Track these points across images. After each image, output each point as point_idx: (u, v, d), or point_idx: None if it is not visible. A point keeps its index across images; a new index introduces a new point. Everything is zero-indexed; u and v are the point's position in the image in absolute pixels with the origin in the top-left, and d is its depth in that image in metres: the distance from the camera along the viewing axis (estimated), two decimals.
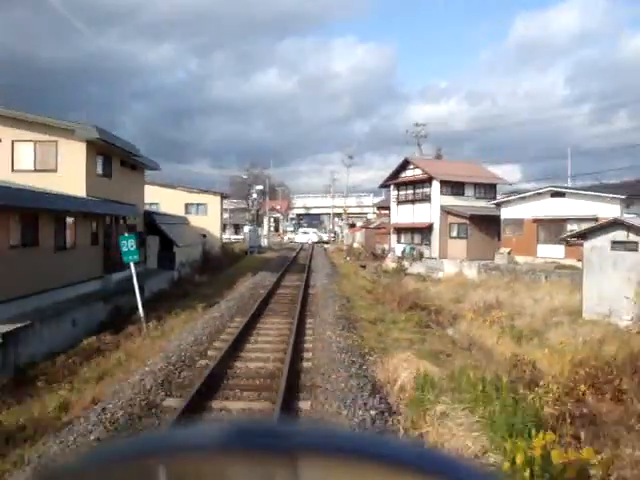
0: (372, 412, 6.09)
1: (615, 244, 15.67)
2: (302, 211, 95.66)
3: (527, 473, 3.87)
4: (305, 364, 8.28)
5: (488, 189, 32.06)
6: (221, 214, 39.90)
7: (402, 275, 26.41)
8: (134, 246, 12.57)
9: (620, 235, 15.53)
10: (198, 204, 37.50)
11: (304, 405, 6.48)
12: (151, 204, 31.08)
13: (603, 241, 15.95)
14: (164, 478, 0.48)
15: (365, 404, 6.32)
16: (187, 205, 36.70)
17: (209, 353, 8.89)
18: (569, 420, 8.03)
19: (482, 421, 5.14)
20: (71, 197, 16.03)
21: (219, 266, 29.97)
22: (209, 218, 37.13)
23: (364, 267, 30.28)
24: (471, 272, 27.16)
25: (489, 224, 28.53)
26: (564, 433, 7.43)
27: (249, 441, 0.48)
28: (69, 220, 16.18)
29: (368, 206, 79.55)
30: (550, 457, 4.00)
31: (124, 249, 12.41)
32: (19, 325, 11.56)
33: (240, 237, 65.30)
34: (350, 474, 0.46)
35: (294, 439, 0.49)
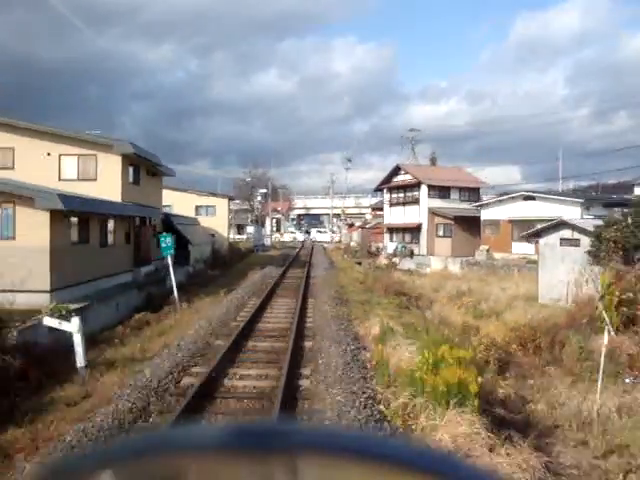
0: (352, 347, 9.36)
1: (563, 241, 18.93)
2: (302, 211, 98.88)
3: (431, 361, 7.08)
4: (308, 324, 11.55)
5: (472, 192, 35.32)
6: (228, 215, 43.19)
7: (392, 270, 29.65)
8: (170, 242, 15.84)
9: (567, 233, 18.79)
10: (207, 206, 40.77)
11: (307, 344, 9.75)
12: (164, 206, 34.35)
13: (554, 239, 19.21)
14: (163, 478, 0.49)
15: (348, 344, 9.57)
16: (197, 207, 39.94)
17: (238, 318, 12.16)
18: (498, 364, 11.34)
19: (417, 345, 8.39)
20: (112, 203, 19.27)
21: (228, 262, 33.24)
22: (217, 219, 40.38)
23: (359, 263, 33.50)
24: (455, 267, 30.41)
25: (471, 224, 31.80)
26: (490, 370, 10.68)
27: (248, 441, 0.48)
28: (110, 222, 19.44)
29: (366, 207, 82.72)
30: (444, 356, 7.23)
31: (163, 245, 15.69)
32: (82, 304, 14.83)
33: (243, 237, 68.67)
34: (350, 474, 0.47)
35: (294, 439, 0.50)
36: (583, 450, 7.56)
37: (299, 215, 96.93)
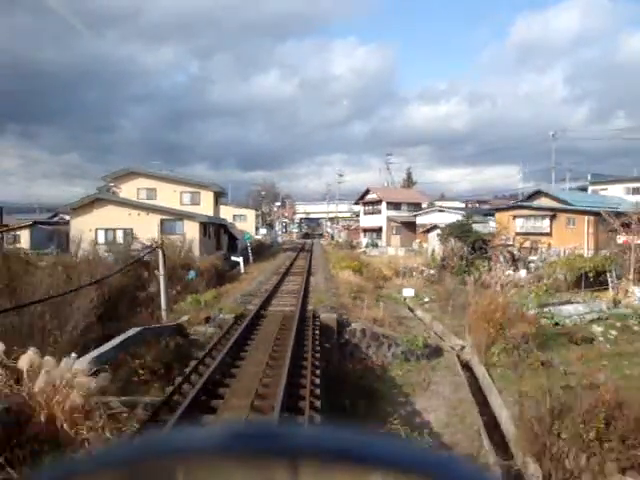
0: (327, 273, 28.40)
1: (439, 235, 38.05)
2: (303, 216, 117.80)
3: (351, 267, 26.11)
4: (312, 268, 30.61)
5: (415, 205, 54.40)
6: (255, 220, 62.40)
7: (361, 254, 48.69)
8: (249, 234, 34.87)
9: (438, 231, 37.95)
10: (241, 215, 59.93)
11: (313, 270, 28.83)
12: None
13: (433, 234, 38.34)
14: None
15: (327, 271, 28.64)
16: (234, 215, 59.02)
17: (280, 270, 31.20)
18: (380, 279, 30.53)
19: (355, 271, 27.48)
20: (210, 216, 38.29)
21: (260, 251, 52.22)
22: (248, 224, 59.48)
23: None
24: (400, 252, 49.34)
25: (412, 227, 50.78)
26: (373, 279, 29.78)
27: (249, 443, 0.49)
28: (211, 227, 38.41)
29: (356, 212, 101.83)
30: (356, 267, 26.33)
31: (246, 236, 34.73)
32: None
33: (258, 237, 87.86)
34: (350, 475, 0.47)
35: (294, 441, 0.51)
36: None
37: (301, 219, 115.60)
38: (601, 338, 17.14)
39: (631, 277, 23.68)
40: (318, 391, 7.77)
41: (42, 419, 5.56)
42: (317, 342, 10.70)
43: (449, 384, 12.10)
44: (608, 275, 24.16)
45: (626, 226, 25.21)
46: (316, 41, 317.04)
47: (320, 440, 0.51)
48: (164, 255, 15.64)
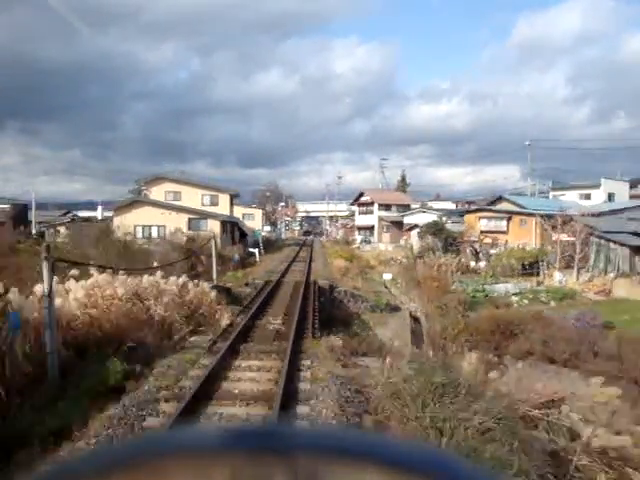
0: (324, 260, 35.74)
1: (418, 233, 45.38)
2: (304, 214, 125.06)
3: (343, 257, 33.44)
4: (313, 256, 37.91)
5: (404, 207, 61.69)
6: (262, 219, 69.77)
7: (356, 249, 56.05)
8: (260, 231, 42.20)
9: (418, 230, 45.31)
10: (249, 214, 67.23)
11: (314, 257, 36.15)
12: None
13: (415, 232, 45.69)
14: None
15: (325, 258, 35.96)
16: (244, 214, 66.31)
17: (290, 258, 38.52)
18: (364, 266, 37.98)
19: (346, 260, 34.82)
20: (227, 215, 45.58)
21: (267, 246, 59.51)
22: (255, 222, 66.77)
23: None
24: (390, 248, 56.68)
25: (400, 225, 58.08)
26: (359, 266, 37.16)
27: (248, 442, 0.49)
28: (228, 224, 45.72)
29: (354, 211, 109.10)
30: (347, 256, 33.67)
31: (257, 233, 42.07)
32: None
33: (263, 234, 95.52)
34: (350, 475, 0.47)
35: (293, 440, 0.51)
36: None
37: (302, 217, 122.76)
38: (516, 305, 24.51)
39: (557, 265, 31.03)
40: (317, 313, 15.06)
41: (195, 308, 12.94)
42: (317, 294, 18.02)
43: (399, 324, 19.41)
44: (540, 264, 31.55)
45: (556, 226, 32.52)
46: (318, 39, 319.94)
47: (320, 439, 0.52)
48: (215, 243, 22.94)
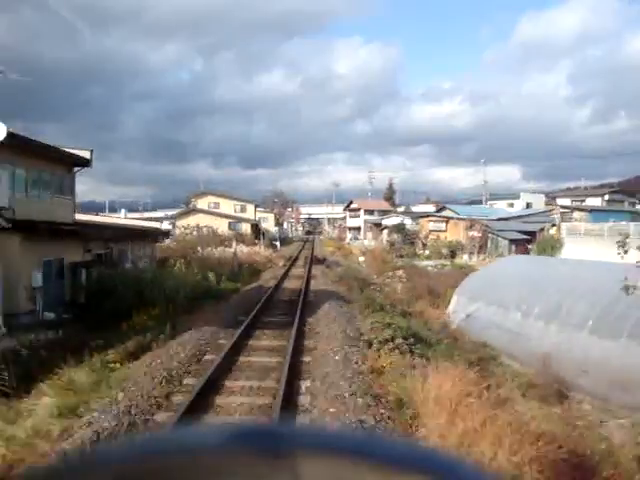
0: (322, 253, 54.36)
1: (387, 232, 64.01)
2: (306, 216, 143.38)
3: (333, 248, 52.06)
4: (315, 248, 56.47)
5: (384, 212, 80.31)
6: (274, 221, 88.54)
7: (346, 244, 74.75)
8: (276, 229, 60.78)
9: (387, 230, 64.04)
10: (264, 217, 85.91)
11: (315, 249, 54.70)
12: None
13: (385, 231, 64.36)
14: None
15: (323, 251, 54.60)
16: (259, 218, 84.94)
17: (297, 250, 57.08)
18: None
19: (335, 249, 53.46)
20: (253, 219, 64.10)
21: (280, 241, 78.12)
22: (269, 223, 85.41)
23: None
24: (371, 244, 75.26)
25: (379, 226, 76.61)
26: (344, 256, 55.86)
27: (249, 442, 0.49)
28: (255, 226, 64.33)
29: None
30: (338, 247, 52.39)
31: (275, 233, 60.65)
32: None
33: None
34: (350, 475, 0.47)
35: (294, 440, 0.51)
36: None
37: (304, 219, 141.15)
38: (429, 269, 43.21)
39: (466, 251, 49.73)
40: (319, 271, 33.77)
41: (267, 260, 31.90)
42: (319, 260, 36.81)
43: (354, 268, 38.26)
44: (457, 251, 50.32)
45: (471, 226, 51.06)
46: (320, 40, 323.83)
47: (321, 440, 0.52)
48: (263, 233, 41.95)
